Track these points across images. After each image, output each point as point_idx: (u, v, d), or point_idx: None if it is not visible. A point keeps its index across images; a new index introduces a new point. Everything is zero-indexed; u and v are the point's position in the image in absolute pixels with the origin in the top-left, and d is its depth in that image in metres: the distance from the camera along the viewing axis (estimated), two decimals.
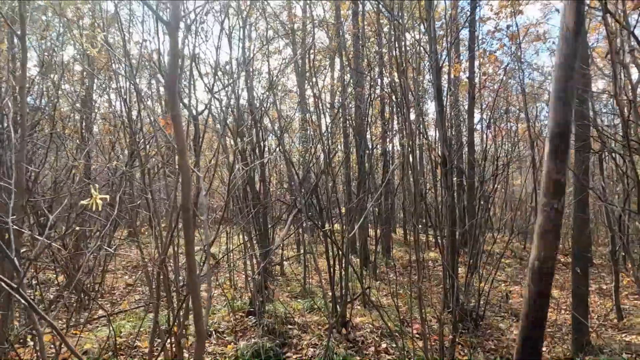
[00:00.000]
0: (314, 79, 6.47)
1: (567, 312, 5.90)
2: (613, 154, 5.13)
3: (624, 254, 7.01)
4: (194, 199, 2.87)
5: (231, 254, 6.42)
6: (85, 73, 7.47)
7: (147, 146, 4.51)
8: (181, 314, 2.95)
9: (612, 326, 5.90)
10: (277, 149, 6.28)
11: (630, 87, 2.80)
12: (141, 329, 4.04)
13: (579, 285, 5.00)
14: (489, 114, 9.22)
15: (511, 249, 11.08)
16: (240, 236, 6.09)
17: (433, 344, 3.92)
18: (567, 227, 11.81)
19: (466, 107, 10.86)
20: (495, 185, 6.68)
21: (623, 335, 5.39)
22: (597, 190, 5.02)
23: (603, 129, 5.10)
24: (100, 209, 1.63)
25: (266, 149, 6.51)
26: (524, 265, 10.48)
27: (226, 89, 4.87)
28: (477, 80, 10.65)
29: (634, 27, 2.89)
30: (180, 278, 3.54)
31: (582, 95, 4.78)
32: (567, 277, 7.70)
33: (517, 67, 8.43)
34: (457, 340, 4.17)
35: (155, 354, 2.92)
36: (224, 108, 4.77)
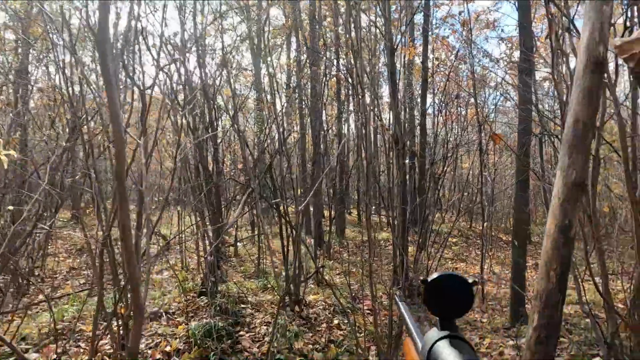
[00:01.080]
0: (269, 59, 6.34)
1: (508, 287, 6.30)
2: (552, 137, 5.45)
3: None
4: (138, 178, 2.76)
5: (183, 235, 6.26)
6: (19, 42, 6.86)
7: (90, 123, 4.26)
8: (127, 294, 2.85)
9: None
10: (231, 128, 6.12)
11: (569, 73, 2.94)
12: (84, 313, 3.88)
13: (518, 259, 5.35)
14: (441, 98, 9.49)
15: (458, 228, 11.61)
16: (193, 217, 5.94)
17: (383, 319, 4.06)
18: (509, 207, 12.52)
19: (419, 91, 11.10)
20: (445, 168, 6.93)
21: None
22: (537, 172, 5.33)
23: (544, 113, 5.40)
24: (5, 166, 1.50)
25: (219, 128, 6.33)
26: (469, 243, 11.05)
27: (176, 63, 4.66)
28: (430, 64, 10.88)
29: (574, 15, 3.05)
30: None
31: (525, 80, 5.03)
32: (508, 254, 8.19)
33: (468, 53, 8.68)
34: None
35: (101, 336, 2.81)
36: (174, 84, 4.58)
